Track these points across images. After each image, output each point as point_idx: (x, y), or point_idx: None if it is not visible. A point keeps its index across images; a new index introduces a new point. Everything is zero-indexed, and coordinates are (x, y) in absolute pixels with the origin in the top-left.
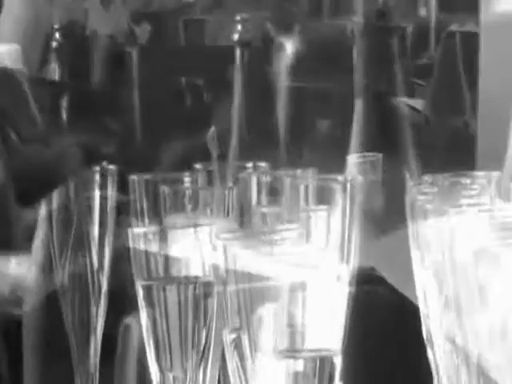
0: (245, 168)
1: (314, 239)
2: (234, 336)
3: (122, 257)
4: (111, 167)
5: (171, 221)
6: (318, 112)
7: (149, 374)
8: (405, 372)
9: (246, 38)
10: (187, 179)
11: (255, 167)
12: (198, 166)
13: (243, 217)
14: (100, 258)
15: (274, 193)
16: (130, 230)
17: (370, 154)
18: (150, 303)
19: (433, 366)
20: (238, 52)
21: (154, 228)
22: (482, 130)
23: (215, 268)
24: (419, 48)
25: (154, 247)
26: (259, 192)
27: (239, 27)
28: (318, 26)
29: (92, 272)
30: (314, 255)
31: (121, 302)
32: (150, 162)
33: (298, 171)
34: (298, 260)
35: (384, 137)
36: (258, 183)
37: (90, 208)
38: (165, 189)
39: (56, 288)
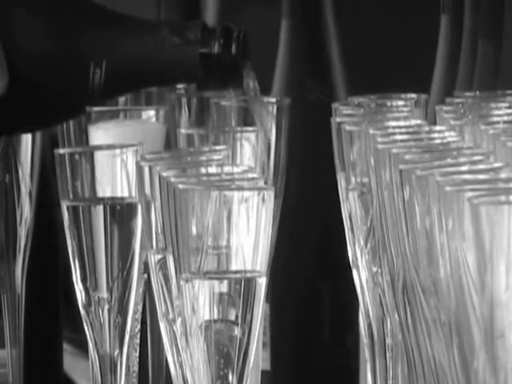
0: (174, 89)
1: (241, 161)
2: (159, 257)
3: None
4: None
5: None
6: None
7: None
8: (330, 294)
9: None
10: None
11: (185, 89)
12: None
13: (169, 138)
14: (29, 176)
15: (201, 114)
16: (55, 151)
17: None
18: (76, 224)
19: (358, 288)
20: None
21: (79, 148)
22: None
23: (140, 189)
24: None
25: (79, 168)
26: (187, 113)
27: None
28: None
29: (19, 192)
30: (239, 177)
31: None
32: None
33: (225, 93)
34: (224, 181)
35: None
36: (186, 104)
37: None
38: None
39: None
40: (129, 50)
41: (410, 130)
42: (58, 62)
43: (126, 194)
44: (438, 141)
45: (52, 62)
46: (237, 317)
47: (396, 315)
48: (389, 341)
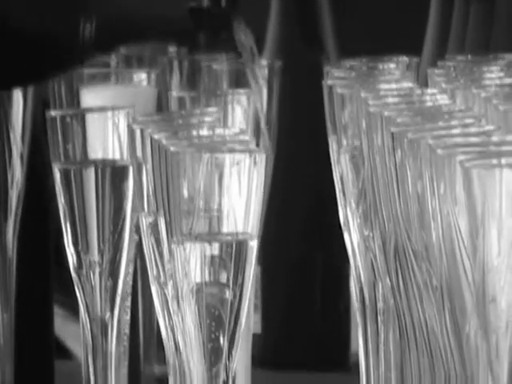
0: (166, 52)
1: (232, 124)
2: (150, 219)
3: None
4: None
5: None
6: None
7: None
8: (322, 257)
9: None
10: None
11: (177, 52)
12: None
13: (161, 101)
14: (20, 139)
15: (192, 77)
16: (47, 113)
17: None
18: (67, 187)
19: (350, 252)
20: None
21: (71, 111)
22: None
23: (132, 151)
24: None
25: (71, 130)
26: (178, 76)
27: None
28: None
29: (10, 155)
30: (231, 139)
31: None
32: None
33: (216, 55)
34: (215, 144)
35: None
36: (178, 67)
37: None
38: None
39: None
40: (119, 4)
41: (402, 92)
42: (49, 15)
43: (117, 156)
44: (429, 104)
45: (42, 15)
46: (228, 279)
47: (387, 279)
48: (380, 305)
